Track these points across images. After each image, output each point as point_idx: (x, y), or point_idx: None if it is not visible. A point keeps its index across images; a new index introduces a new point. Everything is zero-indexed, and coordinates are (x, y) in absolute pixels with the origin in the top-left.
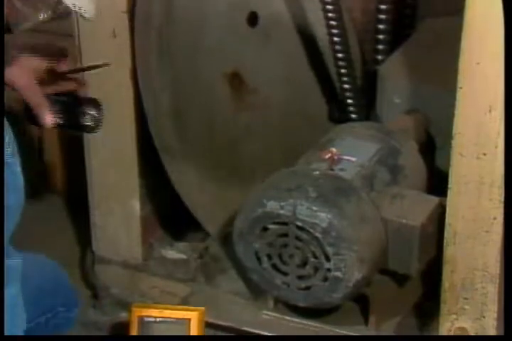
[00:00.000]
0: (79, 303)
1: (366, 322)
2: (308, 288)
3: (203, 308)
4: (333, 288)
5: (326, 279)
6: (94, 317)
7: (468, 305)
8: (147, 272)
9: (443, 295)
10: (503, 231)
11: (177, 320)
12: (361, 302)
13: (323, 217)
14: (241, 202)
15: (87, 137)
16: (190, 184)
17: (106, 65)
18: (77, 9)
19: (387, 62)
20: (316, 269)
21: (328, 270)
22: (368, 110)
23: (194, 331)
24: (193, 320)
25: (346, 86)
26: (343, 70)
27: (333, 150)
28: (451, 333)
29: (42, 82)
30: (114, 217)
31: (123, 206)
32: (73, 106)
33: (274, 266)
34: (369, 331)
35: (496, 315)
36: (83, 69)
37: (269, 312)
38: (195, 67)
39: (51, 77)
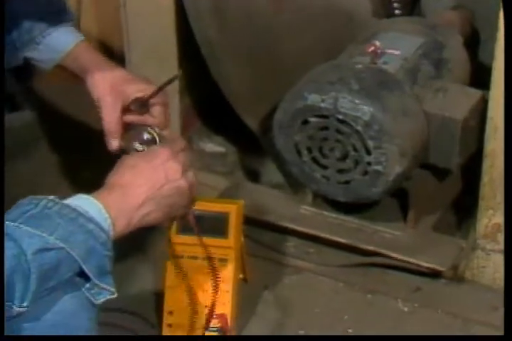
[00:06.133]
0: None
1: (405, 218)
2: (347, 182)
3: (242, 201)
4: (373, 182)
5: (366, 173)
6: None
7: None
8: None
9: (481, 190)
10: None
11: (216, 213)
12: (400, 197)
13: (366, 110)
14: (281, 96)
15: (126, 30)
16: (230, 76)
17: (176, 76)
18: None
19: None
20: (357, 163)
21: (369, 164)
22: (412, 6)
23: (232, 224)
24: (231, 213)
25: None
26: None
27: (377, 43)
28: (488, 229)
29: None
30: None
31: None
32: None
33: (314, 160)
34: (407, 227)
35: None
36: (160, 89)
37: (308, 207)
38: None
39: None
